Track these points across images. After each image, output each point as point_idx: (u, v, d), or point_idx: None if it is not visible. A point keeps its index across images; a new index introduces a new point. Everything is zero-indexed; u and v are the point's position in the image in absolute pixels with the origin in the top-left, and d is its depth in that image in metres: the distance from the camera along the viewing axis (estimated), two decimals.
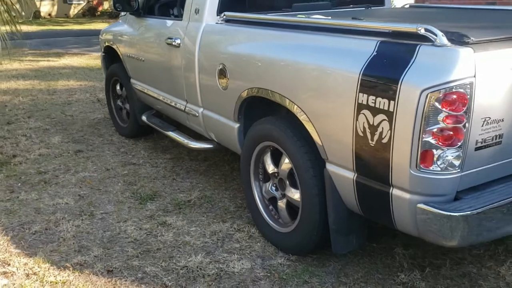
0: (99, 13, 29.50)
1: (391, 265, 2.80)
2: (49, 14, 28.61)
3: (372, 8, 4.05)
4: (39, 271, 2.76)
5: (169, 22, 3.95)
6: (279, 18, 2.97)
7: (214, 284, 2.65)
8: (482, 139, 2.06)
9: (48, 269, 2.79)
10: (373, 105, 2.13)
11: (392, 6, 4.50)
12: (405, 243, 2.98)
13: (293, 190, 2.84)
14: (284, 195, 2.95)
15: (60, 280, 2.68)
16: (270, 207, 3.11)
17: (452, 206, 2.05)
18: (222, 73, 3.18)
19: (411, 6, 4.21)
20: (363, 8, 4.05)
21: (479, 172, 2.13)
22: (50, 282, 2.66)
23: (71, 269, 2.78)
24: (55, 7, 29.00)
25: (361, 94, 2.18)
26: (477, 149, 2.06)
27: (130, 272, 2.75)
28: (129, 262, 2.85)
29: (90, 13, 29.40)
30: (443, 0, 7.59)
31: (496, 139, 2.11)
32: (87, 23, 23.21)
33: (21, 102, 6.88)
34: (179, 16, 3.84)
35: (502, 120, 2.10)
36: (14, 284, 2.64)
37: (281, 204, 2.98)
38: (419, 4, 5.44)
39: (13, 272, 2.75)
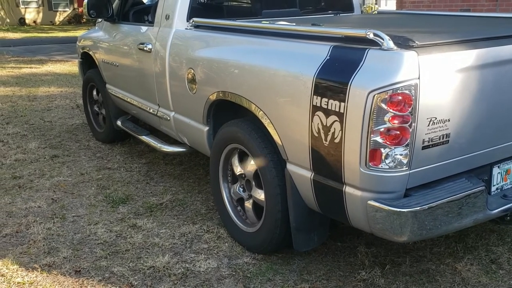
0: (84, 20, 29.40)
1: (353, 263, 2.89)
2: (34, 21, 28.48)
3: (340, 14, 4.16)
4: (7, 273, 2.80)
5: (142, 28, 4.03)
6: (242, 24, 3.06)
7: (180, 283, 2.71)
8: (429, 138, 2.16)
9: (16, 270, 2.83)
10: (326, 107, 2.22)
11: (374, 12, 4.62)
12: (369, 241, 3.07)
13: (258, 190, 2.91)
14: (250, 196, 3.02)
15: (28, 281, 2.72)
16: (238, 207, 3.18)
17: (401, 203, 2.14)
18: (191, 77, 3.26)
19: (379, 13, 4.33)
20: (332, 15, 4.17)
21: (427, 170, 2.22)
22: (18, 283, 2.71)
23: (39, 270, 2.83)
24: (40, 14, 28.87)
25: (315, 97, 2.27)
26: (424, 148, 2.16)
27: (97, 272, 2.80)
28: (97, 262, 2.90)
29: (75, 20, 29.30)
30: (421, 7, 7.78)
31: (443, 138, 2.20)
32: (73, 30, 23.15)
33: (0, 109, 6.89)
34: (152, 22, 3.92)
35: (449, 120, 2.20)
36: None
37: (248, 204, 3.06)
38: (387, 10, 5.58)
39: None
